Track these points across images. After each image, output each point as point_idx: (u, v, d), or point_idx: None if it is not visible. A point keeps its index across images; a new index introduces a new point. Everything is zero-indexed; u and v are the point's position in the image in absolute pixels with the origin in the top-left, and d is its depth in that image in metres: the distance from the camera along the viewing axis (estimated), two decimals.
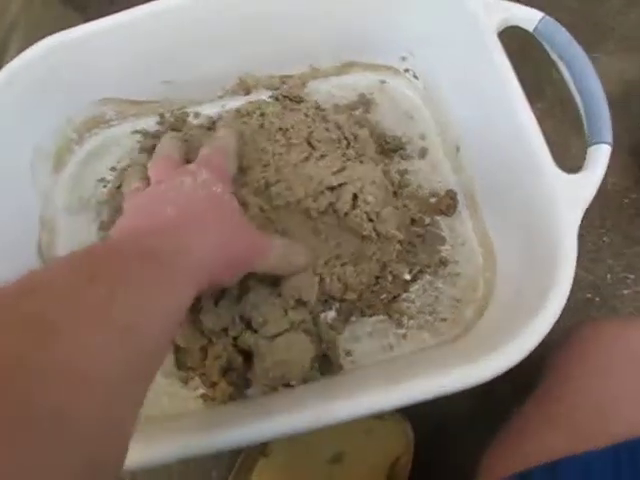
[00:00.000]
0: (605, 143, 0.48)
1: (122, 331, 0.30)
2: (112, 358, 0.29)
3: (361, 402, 0.42)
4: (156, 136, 0.66)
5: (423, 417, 0.67)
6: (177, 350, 0.57)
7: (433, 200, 0.62)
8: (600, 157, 0.47)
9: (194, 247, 0.41)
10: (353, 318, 0.58)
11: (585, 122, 0.49)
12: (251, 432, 0.43)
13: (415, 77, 0.67)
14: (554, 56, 0.53)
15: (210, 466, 0.74)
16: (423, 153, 0.65)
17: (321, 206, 0.56)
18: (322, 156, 0.59)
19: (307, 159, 0.59)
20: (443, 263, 0.60)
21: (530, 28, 0.53)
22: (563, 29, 0.52)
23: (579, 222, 0.46)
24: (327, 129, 0.60)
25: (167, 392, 0.56)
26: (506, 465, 0.48)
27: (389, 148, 0.65)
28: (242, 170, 0.58)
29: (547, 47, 0.53)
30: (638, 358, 0.47)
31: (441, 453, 0.69)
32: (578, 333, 0.52)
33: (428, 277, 0.59)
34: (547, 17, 0.52)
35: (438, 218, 0.62)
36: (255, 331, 0.55)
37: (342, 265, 0.57)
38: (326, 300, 0.58)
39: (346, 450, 0.66)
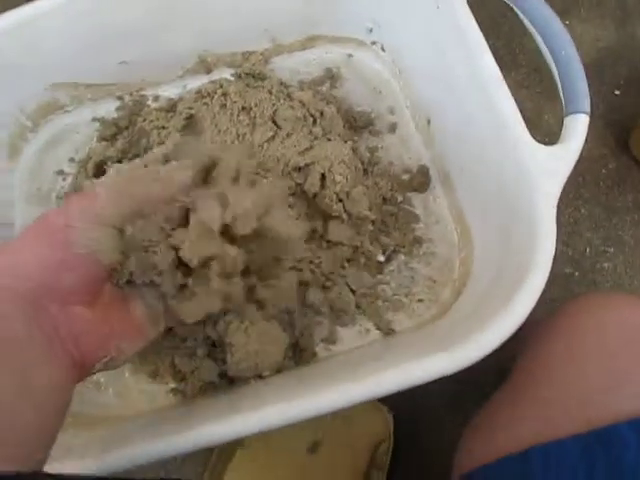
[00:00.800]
0: (583, 112, 0.45)
1: None
2: None
3: (327, 398, 0.40)
4: (114, 123, 0.62)
5: (402, 403, 0.65)
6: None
7: (405, 177, 0.60)
8: (578, 127, 0.45)
9: None
10: None
11: (561, 91, 0.47)
12: (221, 431, 0.40)
13: (382, 50, 0.65)
14: (527, 23, 0.50)
15: (185, 457, 0.71)
16: (393, 128, 0.63)
17: (289, 188, 0.54)
18: (288, 135, 0.56)
19: (273, 139, 0.56)
20: (418, 242, 0.57)
21: None
22: None
23: (558, 197, 0.43)
24: (292, 107, 0.58)
25: (136, 388, 0.54)
26: (480, 453, 0.46)
27: (358, 124, 0.62)
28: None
29: (519, 13, 0.50)
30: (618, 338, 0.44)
31: (421, 439, 0.68)
32: (561, 312, 0.49)
33: (403, 257, 0.57)
34: None
35: (411, 195, 0.59)
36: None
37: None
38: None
39: (325, 438, 0.64)
